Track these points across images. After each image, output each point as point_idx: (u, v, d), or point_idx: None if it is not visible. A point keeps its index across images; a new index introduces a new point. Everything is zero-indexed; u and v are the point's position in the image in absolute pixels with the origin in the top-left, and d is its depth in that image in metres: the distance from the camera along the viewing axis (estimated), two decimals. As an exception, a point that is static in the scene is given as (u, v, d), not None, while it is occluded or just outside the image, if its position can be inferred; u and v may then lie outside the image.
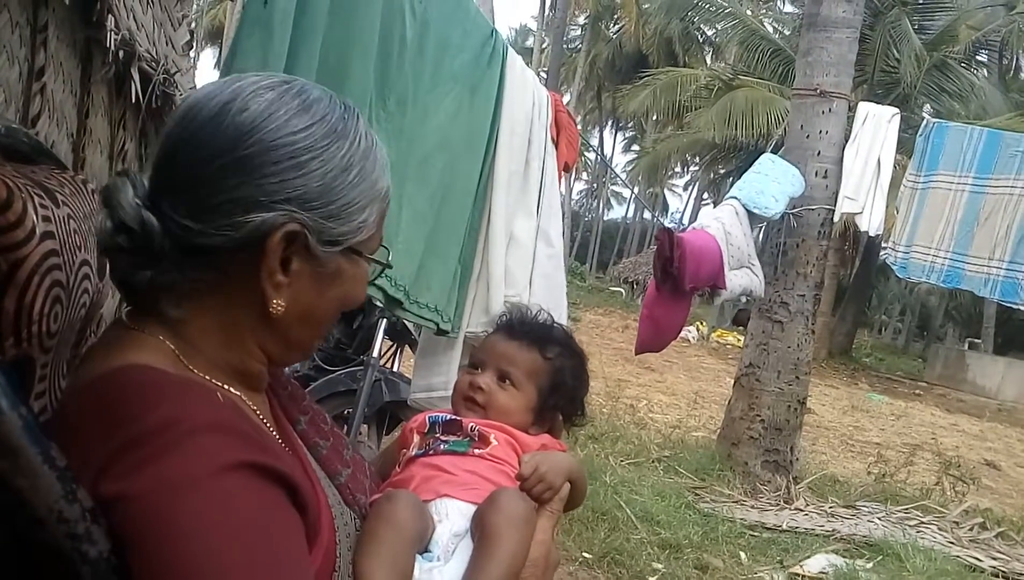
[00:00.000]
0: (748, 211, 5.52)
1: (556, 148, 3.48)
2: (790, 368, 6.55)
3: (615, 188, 60.83)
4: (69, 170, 1.24)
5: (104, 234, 0.94)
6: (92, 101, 1.69)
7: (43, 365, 0.99)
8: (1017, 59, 24.75)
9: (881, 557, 5.17)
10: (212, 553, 0.77)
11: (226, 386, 0.97)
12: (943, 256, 6.20)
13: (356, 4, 2.16)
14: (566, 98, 31.99)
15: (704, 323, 23.35)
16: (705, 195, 40.35)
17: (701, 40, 35.02)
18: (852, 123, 6.45)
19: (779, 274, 6.46)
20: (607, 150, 53.44)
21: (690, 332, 20.71)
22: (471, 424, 1.33)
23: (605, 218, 63.51)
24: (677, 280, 4.78)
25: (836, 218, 6.53)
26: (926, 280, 6.54)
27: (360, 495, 1.15)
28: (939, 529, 5.96)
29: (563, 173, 3.64)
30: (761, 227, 6.24)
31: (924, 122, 6.56)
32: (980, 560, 5.40)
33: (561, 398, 1.43)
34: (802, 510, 6.02)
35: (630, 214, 60.85)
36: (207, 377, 0.96)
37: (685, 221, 36.61)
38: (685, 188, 57.09)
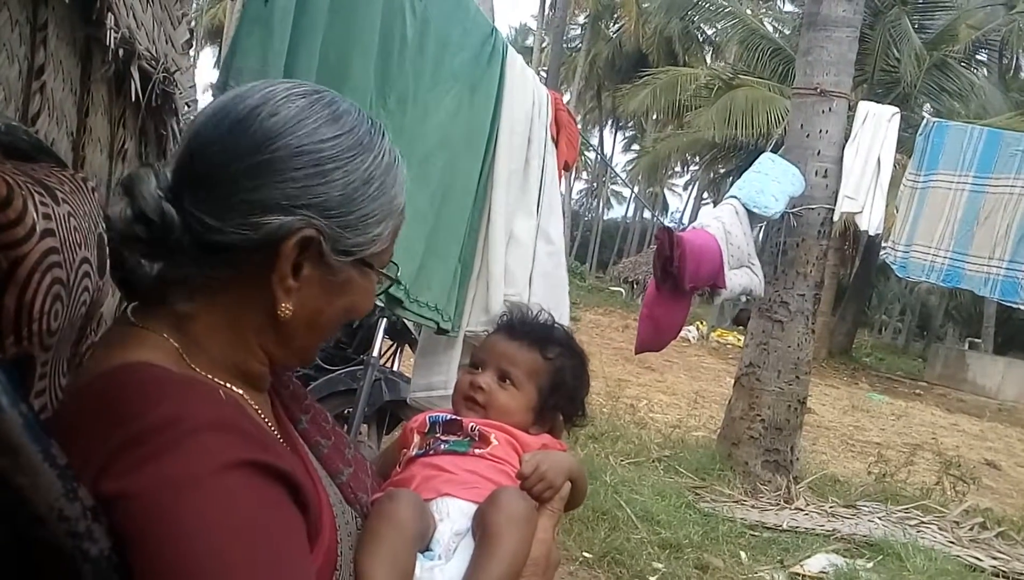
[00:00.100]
0: (748, 210, 5.52)
1: (556, 147, 3.48)
2: (790, 368, 6.55)
3: (615, 187, 60.87)
4: (69, 168, 1.24)
5: (123, 222, 0.94)
6: (92, 99, 1.68)
7: (43, 363, 0.99)
8: (1017, 58, 24.75)
9: (881, 557, 5.17)
10: (213, 552, 0.77)
11: (228, 385, 0.97)
12: (943, 255, 6.20)
13: (356, 2, 2.16)
14: (566, 97, 31.98)
15: (704, 323, 23.35)
16: (705, 194, 40.36)
17: (701, 39, 35.04)
18: (852, 122, 6.46)
19: (779, 273, 6.46)
20: (607, 149, 53.53)
21: (690, 332, 20.71)
22: (471, 424, 1.33)
23: (605, 218, 63.59)
24: (677, 279, 4.78)
25: (836, 217, 6.53)
26: (926, 279, 6.54)
27: (362, 494, 1.15)
28: (939, 529, 5.96)
29: (563, 172, 3.64)
30: (761, 226, 6.24)
31: (924, 121, 6.56)
32: (980, 560, 5.40)
33: (561, 398, 1.43)
34: (802, 510, 6.02)
35: (630, 213, 60.96)
36: (209, 375, 0.96)
37: (685, 220, 36.65)
38: (685, 187, 57.17)
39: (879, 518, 5.97)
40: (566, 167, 3.65)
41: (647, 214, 51.17)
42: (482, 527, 1.14)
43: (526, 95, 3.18)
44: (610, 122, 50.97)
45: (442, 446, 1.30)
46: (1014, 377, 21.70)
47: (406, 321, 3.88)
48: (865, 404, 14.84)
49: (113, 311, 1.47)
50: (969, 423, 14.76)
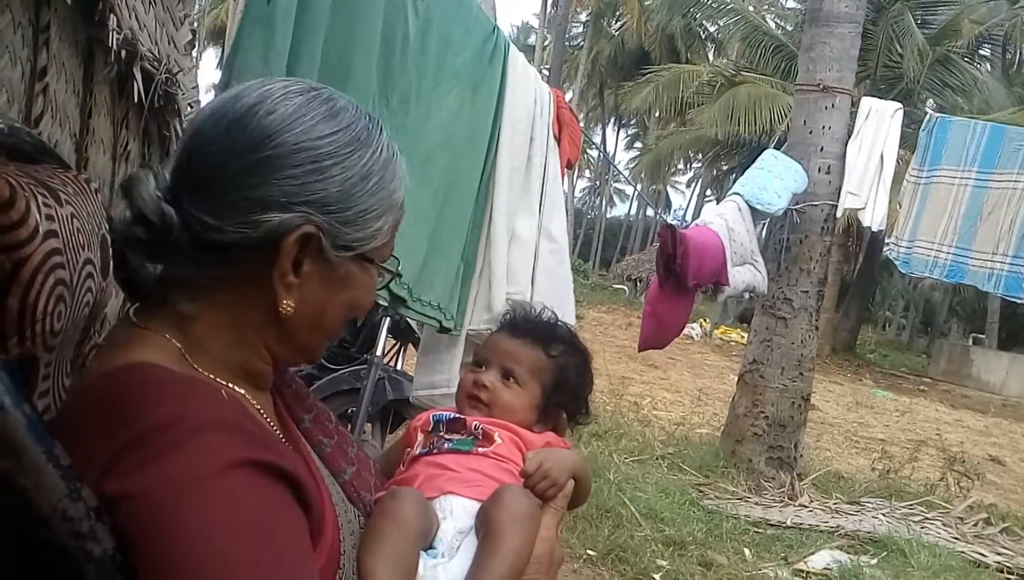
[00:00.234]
0: (751, 207, 5.52)
1: (558, 145, 3.48)
2: (794, 364, 6.55)
3: (618, 185, 60.78)
4: (72, 169, 1.24)
5: (122, 224, 0.95)
6: (95, 101, 1.69)
7: (47, 364, 0.99)
8: (1020, 53, 24.63)
9: (885, 553, 5.16)
10: (216, 551, 0.77)
11: (231, 384, 0.97)
12: (946, 251, 6.19)
13: (358, 2, 2.16)
14: (568, 95, 31.99)
15: (707, 320, 23.34)
16: (708, 192, 40.32)
17: (703, 36, 35.00)
18: (855, 118, 6.46)
19: (782, 270, 6.45)
20: (610, 147, 53.48)
21: (693, 329, 20.70)
22: (475, 422, 1.33)
23: (608, 216, 63.48)
24: (680, 277, 4.78)
25: (839, 214, 6.53)
26: (929, 275, 6.53)
27: (365, 493, 1.15)
28: (943, 525, 5.95)
29: (565, 170, 3.64)
30: (764, 223, 6.23)
31: (927, 117, 6.55)
32: (985, 556, 5.40)
33: (565, 396, 1.43)
34: (806, 506, 6.01)
35: (633, 211, 60.98)
36: (212, 375, 0.96)
37: (688, 218, 36.59)
38: (688, 185, 57.01)
39: (883, 514, 5.97)
40: (568, 165, 3.65)
41: (650, 212, 51.18)
42: (485, 525, 1.14)
43: (528, 93, 3.18)
44: (612, 120, 50.93)
45: (446, 444, 1.31)
46: (1018, 373, 21.68)
47: (409, 320, 3.88)
48: (869, 400, 14.82)
49: (117, 312, 1.47)
50: (973, 419, 14.74)
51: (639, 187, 37.93)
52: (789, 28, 23.96)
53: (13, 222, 0.87)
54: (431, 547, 1.15)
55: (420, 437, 1.35)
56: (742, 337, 19.36)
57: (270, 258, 0.95)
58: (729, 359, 16.84)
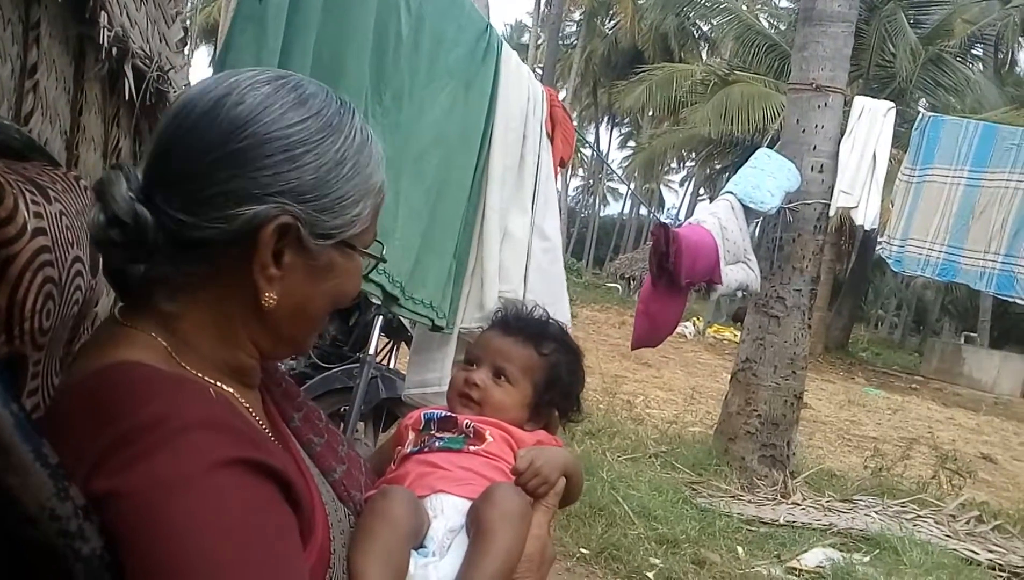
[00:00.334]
0: (744, 206, 5.53)
1: (551, 143, 3.47)
2: (786, 363, 6.56)
3: (611, 184, 60.79)
4: (61, 167, 1.24)
5: (97, 228, 0.93)
6: (85, 98, 1.68)
7: (36, 362, 0.99)
8: (1012, 53, 24.77)
9: (878, 551, 5.18)
10: (205, 551, 0.77)
11: (218, 383, 0.97)
12: (938, 250, 6.21)
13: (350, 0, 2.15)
14: (562, 94, 31.92)
15: (700, 319, 23.37)
16: (701, 191, 40.44)
17: (697, 35, 34.99)
18: (848, 117, 6.47)
19: (775, 269, 6.46)
20: (603, 146, 53.46)
21: (686, 328, 20.73)
22: (466, 421, 1.33)
23: (601, 214, 63.44)
24: (673, 275, 4.78)
25: (832, 212, 6.54)
26: (921, 274, 6.56)
27: (355, 491, 1.15)
28: (936, 523, 5.97)
29: (559, 168, 3.64)
30: (757, 222, 6.24)
31: (920, 116, 6.57)
32: (976, 553, 5.42)
33: (557, 394, 1.43)
34: (799, 504, 6.03)
35: (626, 210, 60.95)
36: (199, 374, 0.95)
37: (681, 217, 36.65)
38: (681, 184, 57.06)
39: (875, 512, 5.99)
40: (561, 163, 3.65)
41: (643, 211, 51.17)
42: (476, 523, 1.14)
43: (521, 91, 3.17)
44: (606, 119, 50.93)
45: (437, 443, 1.30)
46: (1010, 371, 21.78)
47: (402, 318, 3.88)
48: (861, 399, 14.87)
49: (108, 310, 1.47)
50: (965, 417, 14.79)
51: (632, 186, 37.97)
52: (782, 27, 24.02)
53: (1, 219, 0.87)
54: (422, 546, 1.14)
55: (411, 435, 1.35)
56: (735, 335, 19.40)
57: (249, 252, 0.94)
58: (722, 357, 16.87)
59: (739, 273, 5.45)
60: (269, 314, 0.98)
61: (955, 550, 5.39)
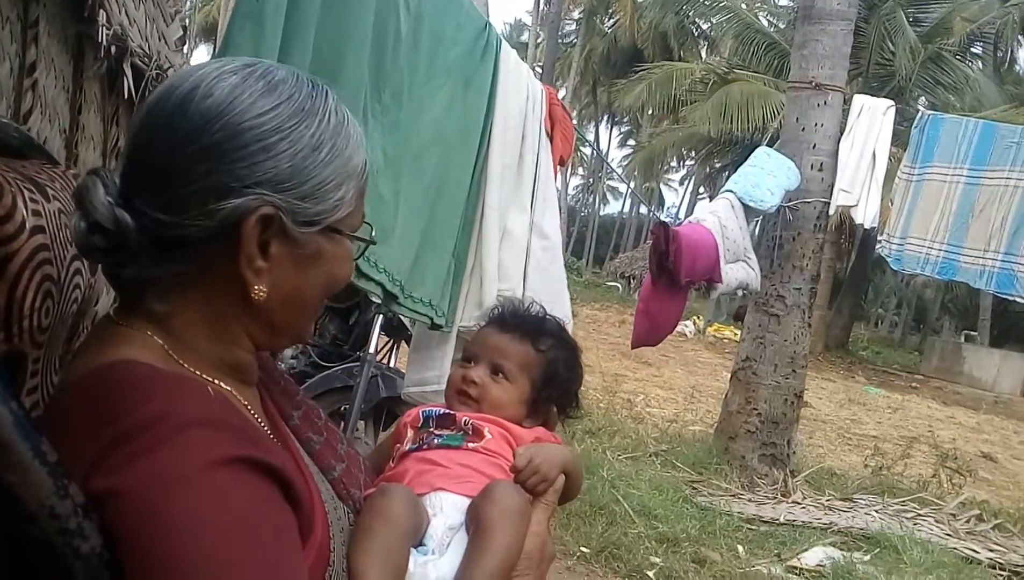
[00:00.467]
0: (744, 204, 5.53)
1: (551, 142, 3.47)
2: (787, 362, 6.56)
3: (611, 183, 60.80)
4: (60, 165, 1.24)
5: (79, 235, 0.92)
6: (84, 97, 1.68)
7: (35, 360, 0.99)
8: (1012, 51, 24.78)
9: (878, 550, 5.18)
10: (204, 549, 0.77)
11: (216, 381, 0.96)
12: (938, 248, 6.21)
13: (349, -2, 2.15)
14: (561, 93, 31.92)
15: (700, 317, 23.37)
16: (701, 189, 40.42)
17: (696, 34, 34.97)
18: (847, 116, 6.47)
19: (775, 267, 6.46)
20: (603, 145, 53.45)
21: (687, 327, 20.73)
22: (465, 418, 1.33)
23: (601, 213, 63.46)
24: (673, 274, 4.78)
25: (832, 211, 6.55)
26: (921, 272, 6.56)
27: (354, 490, 1.15)
28: (936, 521, 5.97)
29: (558, 167, 3.64)
30: (757, 220, 6.24)
31: (919, 114, 6.57)
32: (977, 552, 5.42)
33: (555, 390, 1.43)
34: (799, 503, 6.03)
35: (626, 209, 60.94)
36: (197, 372, 0.95)
37: (681, 215, 36.66)
38: (681, 182, 57.06)
39: (876, 511, 5.99)
40: (561, 162, 3.64)
41: (643, 209, 51.18)
42: (476, 521, 1.14)
43: (520, 90, 3.17)
44: (606, 117, 50.92)
45: (435, 440, 1.30)
46: (1010, 370, 21.77)
47: (401, 317, 3.87)
48: (861, 397, 14.87)
49: (108, 308, 1.47)
50: (965, 416, 14.79)
51: (632, 185, 37.97)
52: (782, 26, 24.02)
53: (-1, 217, 0.87)
54: (421, 544, 1.14)
55: (410, 433, 1.35)
56: (735, 334, 19.39)
57: (233, 246, 0.92)
58: (722, 356, 16.86)
59: (739, 272, 5.45)
60: (261, 306, 0.97)
61: (955, 549, 5.39)
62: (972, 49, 22.17)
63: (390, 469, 1.30)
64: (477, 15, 2.90)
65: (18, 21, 1.37)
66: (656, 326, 5.13)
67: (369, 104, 2.31)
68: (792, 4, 24.24)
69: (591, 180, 58.71)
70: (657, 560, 4.52)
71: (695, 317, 22.75)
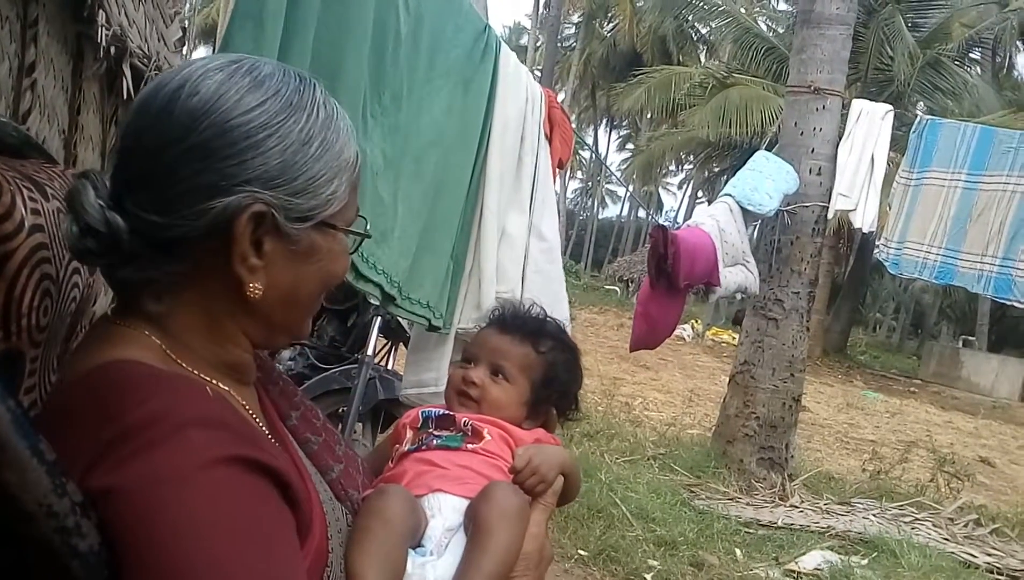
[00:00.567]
0: (742, 208, 5.53)
1: (549, 144, 3.47)
2: (785, 365, 6.56)
3: (610, 187, 60.74)
4: (59, 164, 1.24)
5: (72, 238, 0.92)
6: (84, 97, 1.68)
7: (33, 359, 0.98)
8: (1010, 57, 24.82)
9: (876, 554, 5.18)
10: (202, 548, 0.77)
11: (214, 381, 0.96)
12: (936, 252, 6.22)
13: (349, -1, 2.15)
14: (560, 96, 31.99)
15: (699, 321, 23.36)
16: (700, 193, 40.47)
17: (695, 38, 35.03)
18: (846, 120, 6.48)
19: (774, 271, 6.47)
20: (602, 148, 53.45)
21: (685, 330, 20.72)
22: (464, 419, 1.32)
23: (600, 217, 63.48)
24: (671, 277, 4.77)
25: (830, 215, 6.55)
26: (919, 276, 6.57)
27: (352, 490, 1.14)
28: (934, 526, 5.97)
29: (557, 170, 3.64)
30: (756, 224, 6.25)
31: (917, 119, 6.58)
32: (975, 556, 5.42)
33: (554, 392, 1.43)
34: (797, 507, 6.02)
35: (625, 213, 61.01)
36: (196, 371, 0.95)
37: (680, 219, 36.69)
38: (679, 186, 57.09)
39: (874, 515, 5.98)
40: (560, 165, 3.64)
41: (642, 213, 51.17)
42: (474, 522, 1.14)
43: (519, 92, 3.17)
44: (605, 121, 50.94)
45: (434, 441, 1.30)
46: (1008, 374, 21.77)
47: (400, 319, 3.87)
48: (860, 402, 14.87)
49: (106, 308, 1.46)
50: (963, 420, 14.79)
51: (631, 188, 37.96)
52: (780, 30, 24.08)
53: (-2, 216, 0.87)
54: (419, 545, 1.14)
55: (409, 433, 1.35)
56: (733, 338, 19.40)
57: (226, 245, 0.92)
58: (720, 360, 16.87)
59: (738, 275, 5.45)
60: (257, 304, 0.96)
61: (953, 553, 5.39)
62: (971, 54, 22.23)
63: (389, 470, 1.29)
64: (477, 17, 2.90)
65: (17, 21, 1.37)
66: (654, 329, 5.13)
67: (369, 105, 2.31)
68: (791, 8, 24.30)
69: (590, 183, 58.72)
70: (655, 563, 4.51)
71: (693, 321, 22.75)
